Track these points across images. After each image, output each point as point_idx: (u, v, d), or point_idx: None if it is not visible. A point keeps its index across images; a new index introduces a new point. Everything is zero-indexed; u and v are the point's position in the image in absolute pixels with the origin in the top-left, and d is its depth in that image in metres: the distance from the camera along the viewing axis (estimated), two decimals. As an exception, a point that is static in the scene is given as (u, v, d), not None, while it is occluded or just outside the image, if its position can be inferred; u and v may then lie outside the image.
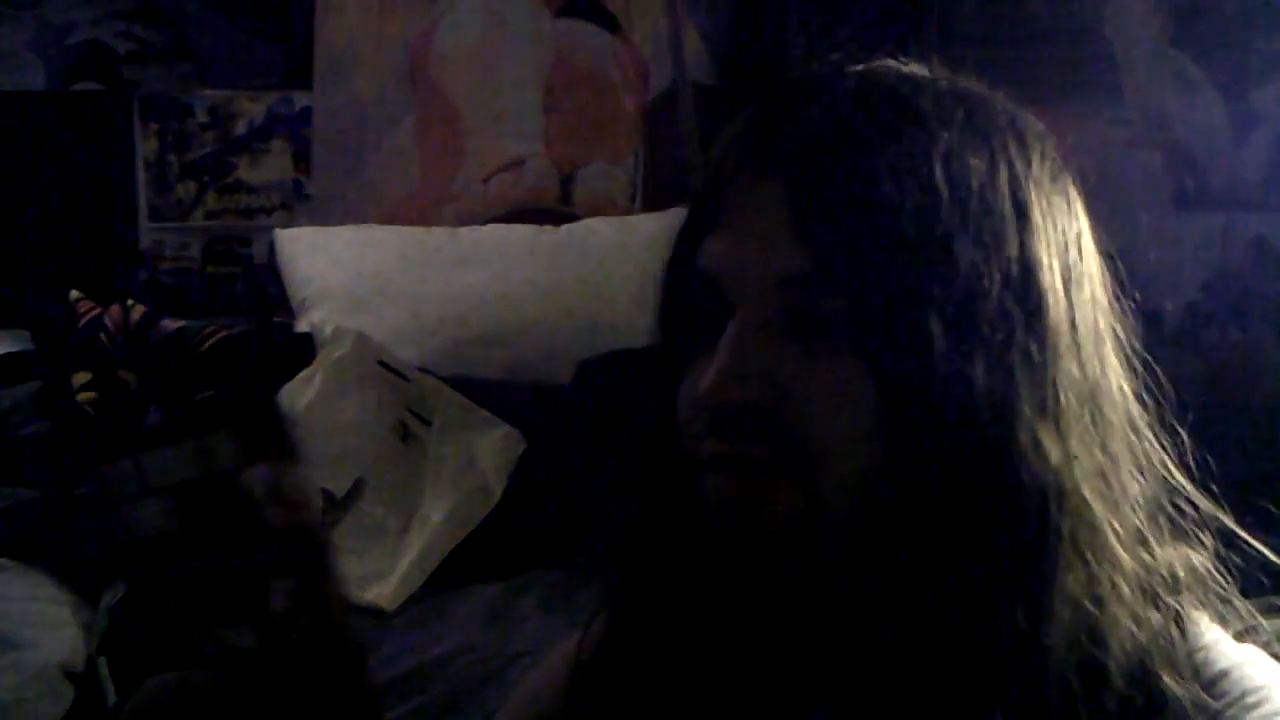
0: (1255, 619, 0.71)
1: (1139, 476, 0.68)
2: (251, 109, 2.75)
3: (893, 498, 0.63)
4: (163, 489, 0.57)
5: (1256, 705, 0.64)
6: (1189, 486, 0.71)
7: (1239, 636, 0.71)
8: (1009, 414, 0.63)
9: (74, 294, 2.41)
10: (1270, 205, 2.51)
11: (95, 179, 2.69)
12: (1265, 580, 0.80)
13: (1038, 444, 0.63)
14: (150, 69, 2.71)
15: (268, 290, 2.63)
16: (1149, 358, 0.73)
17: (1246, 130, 2.53)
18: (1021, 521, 0.62)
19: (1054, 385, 0.65)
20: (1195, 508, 0.71)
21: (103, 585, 2.03)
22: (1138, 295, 0.75)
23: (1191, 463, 0.73)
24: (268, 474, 0.56)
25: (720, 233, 0.68)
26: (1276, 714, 0.64)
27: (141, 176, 2.72)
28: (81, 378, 2.30)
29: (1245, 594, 0.74)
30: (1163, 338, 2.52)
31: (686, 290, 0.70)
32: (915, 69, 0.72)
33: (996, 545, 0.62)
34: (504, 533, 2.03)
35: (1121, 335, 0.71)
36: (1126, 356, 0.72)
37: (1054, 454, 0.63)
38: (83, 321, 2.37)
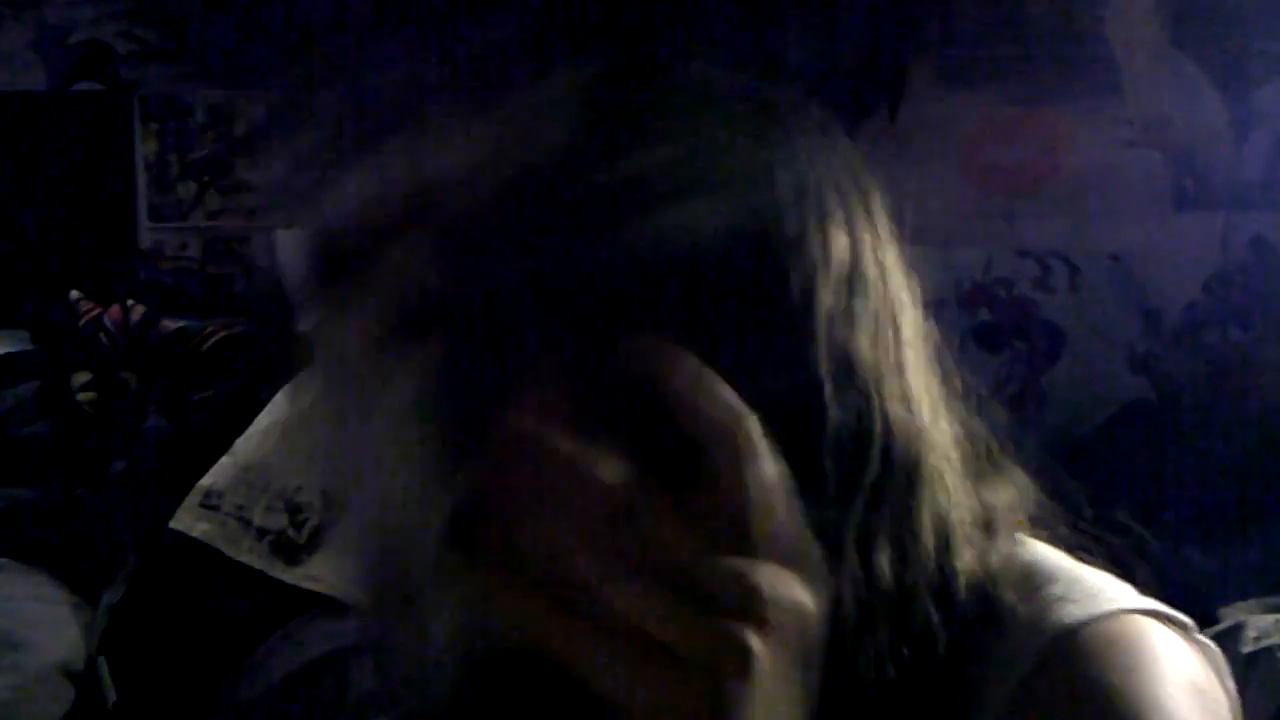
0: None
1: (960, 430, 0.72)
2: (251, 109, 2.75)
3: (807, 474, 0.65)
4: None
5: (1080, 598, 0.67)
6: (991, 436, 0.74)
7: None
8: (882, 382, 0.67)
9: (74, 294, 2.42)
10: (1270, 205, 2.51)
11: (95, 179, 2.69)
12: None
13: (901, 407, 0.67)
14: (150, 69, 2.71)
15: (268, 290, 2.63)
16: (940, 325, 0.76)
17: (1246, 130, 2.53)
18: (892, 479, 0.66)
19: (905, 355, 0.69)
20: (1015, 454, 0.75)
21: (103, 585, 2.03)
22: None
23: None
24: None
25: None
26: (1099, 605, 0.67)
27: (141, 176, 2.72)
28: (81, 377, 2.31)
29: (1245, 594, 0.76)
30: (1163, 338, 2.52)
31: None
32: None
33: (874, 502, 0.66)
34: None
35: (917, 296, 0.73)
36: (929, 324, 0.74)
37: (911, 417, 0.67)
38: (83, 321, 2.38)
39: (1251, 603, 1.60)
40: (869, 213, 0.70)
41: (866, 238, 0.69)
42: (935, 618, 0.65)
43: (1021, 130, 2.56)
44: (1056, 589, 0.68)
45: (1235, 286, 2.51)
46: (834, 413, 0.65)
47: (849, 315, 0.67)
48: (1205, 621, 1.56)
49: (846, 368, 0.66)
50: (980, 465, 0.73)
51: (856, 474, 0.65)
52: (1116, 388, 2.46)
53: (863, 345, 0.66)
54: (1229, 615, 1.56)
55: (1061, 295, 2.49)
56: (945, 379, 0.73)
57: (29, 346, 2.44)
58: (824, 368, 0.65)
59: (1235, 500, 1.96)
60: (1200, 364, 2.50)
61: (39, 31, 2.66)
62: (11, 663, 1.75)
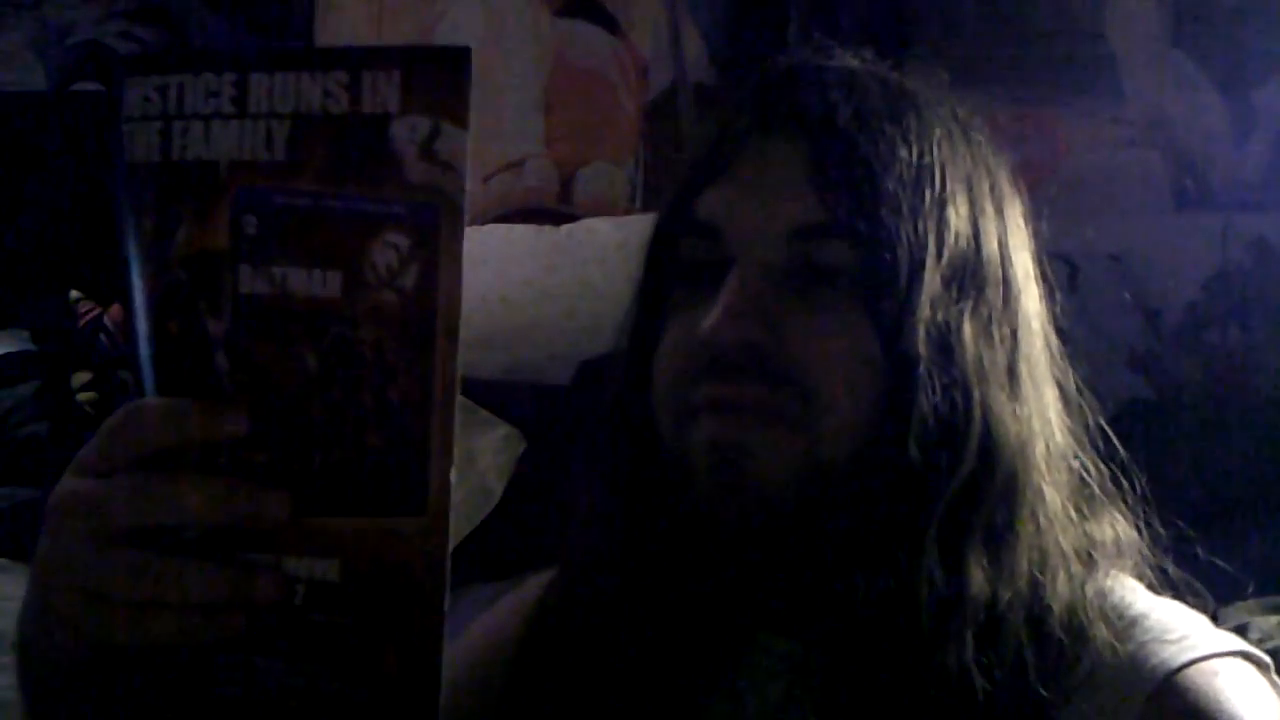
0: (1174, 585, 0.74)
1: (1071, 455, 0.72)
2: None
3: (882, 448, 0.65)
4: (273, 113, 0.52)
5: (1177, 640, 0.67)
6: (1102, 471, 0.74)
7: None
8: (986, 379, 0.66)
9: (74, 294, 2.41)
10: (1270, 205, 2.50)
11: (95, 179, 2.69)
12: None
13: (1007, 412, 0.67)
14: (150, 69, 2.71)
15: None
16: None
17: (1246, 130, 2.52)
18: (990, 483, 0.65)
19: (1019, 363, 0.69)
20: (1119, 484, 0.74)
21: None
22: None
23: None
24: (424, 126, 0.51)
25: (725, 184, 0.70)
26: (1195, 647, 0.66)
27: (141, 176, 2.72)
28: (81, 378, 2.30)
29: (1246, 594, 0.76)
30: (1163, 338, 2.52)
31: (680, 241, 0.71)
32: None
33: (967, 503, 0.65)
34: (504, 533, 2.03)
35: (1046, 309, 0.75)
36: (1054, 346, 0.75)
37: (1015, 424, 0.67)
38: (83, 321, 2.37)
39: (1252, 603, 1.60)
40: (1000, 208, 0.70)
41: (993, 229, 0.69)
42: (1027, 641, 0.65)
43: (1021, 130, 2.55)
44: (1151, 629, 0.68)
45: (1235, 286, 2.51)
46: (926, 394, 0.64)
47: (958, 299, 0.66)
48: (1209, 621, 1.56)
49: (946, 351, 0.65)
50: (1090, 499, 0.72)
51: (949, 466, 0.65)
52: (1116, 388, 2.46)
53: (967, 333, 0.66)
54: (1230, 616, 1.56)
55: (1061, 295, 2.48)
56: (1067, 401, 0.72)
57: (29, 346, 2.44)
58: (921, 347, 0.65)
59: (1235, 500, 1.96)
60: (1200, 364, 2.50)
61: (39, 31, 2.66)
62: (12, 663, 1.74)
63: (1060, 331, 0.76)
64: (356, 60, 0.52)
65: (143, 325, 0.55)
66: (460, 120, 0.51)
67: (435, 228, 0.51)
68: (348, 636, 0.53)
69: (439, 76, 0.51)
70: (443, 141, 0.51)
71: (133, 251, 0.55)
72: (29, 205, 2.63)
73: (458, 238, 0.51)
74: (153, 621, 0.52)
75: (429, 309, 0.51)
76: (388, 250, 0.51)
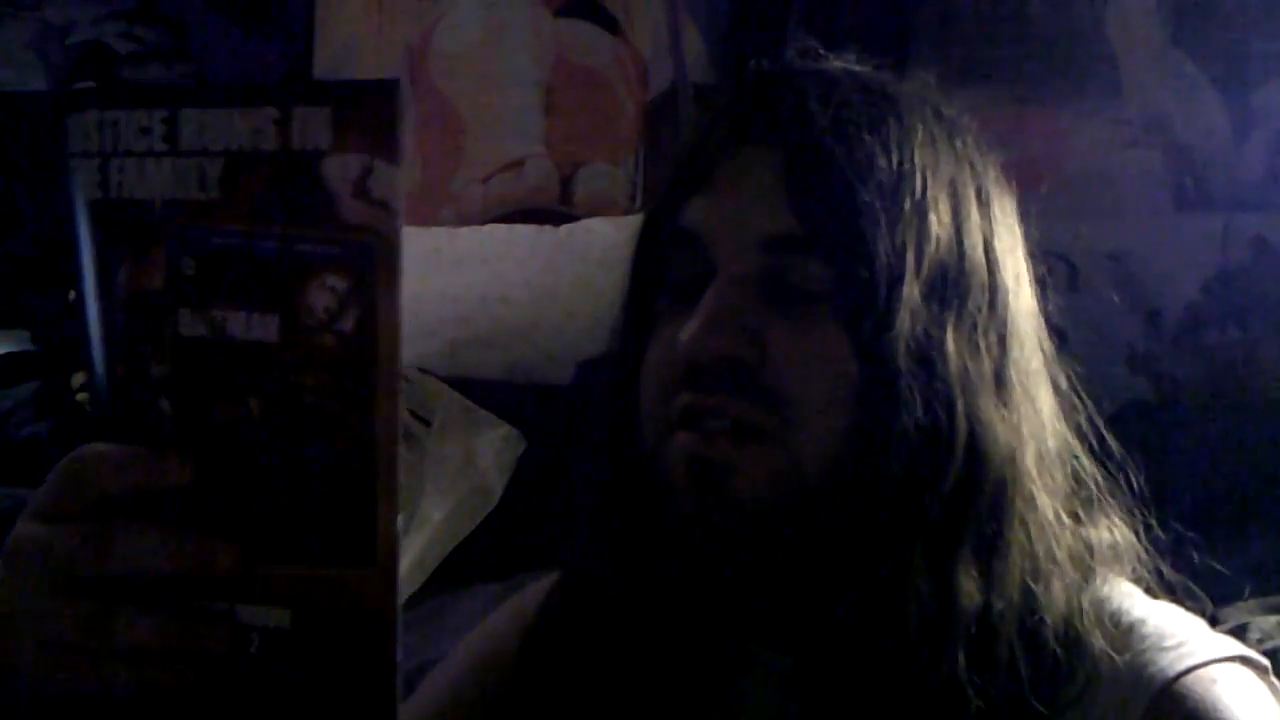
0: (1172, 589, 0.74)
1: (1066, 459, 0.71)
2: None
3: (864, 464, 0.64)
4: (205, 151, 0.51)
5: (1175, 647, 0.66)
6: (1098, 473, 0.73)
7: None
8: (972, 389, 0.65)
9: (74, 294, 2.41)
10: (1270, 205, 2.50)
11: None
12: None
13: (995, 420, 0.66)
14: (150, 69, 2.71)
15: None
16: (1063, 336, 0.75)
17: (1246, 130, 2.52)
18: (979, 494, 0.65)
19: (1007, 369, 0.68)
20: (1116, 486, 0.74)
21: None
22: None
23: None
24: (356, 164, 0.50)
25: (706, 194, 0.69)
26: (1193, 654, 0.66)
27: (141, 176, 2.72)
28: (81, 378, 2.30)
29: (1246, 594, 0.76)
30: (1163, 338, 2.52)
31: (664, 250, 0.71)
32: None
33: (955, 515, 0.64)
34: (504, 533, 2.03)
35: (1038, 309, 0.74)
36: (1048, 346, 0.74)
37: (1004, 432, 0.66)
38: (83, 322, 2.37)
39: (1252, 603, 1.60)
40: (986, 210, 0.69)
41: (978, 233, 0.68)
42: (1021, 653, 0.64)
43: (1021, 130, 2.55)
44: (1148, 636, 0.67)
45: (1235, 286, 2.51)
46: (907, 408, 0.63)
47: (940, 310, 0.65)
48: (1208, 622, 1.55)
49: (927, 364, 0.64)
50: (1086, 502, 0.71)
51: (934, 478, 0.64)
52: (1116, 388, 2.45)
53: (950, 343, 0.65)
54: (1231, 616, 1.56)
55: (1061, 295, 2.48)
56: (1062, 403, 0.71)
57: (29, 346, 2.43)
58: (900, 361, 0.64)
59: (1235, 500, 1.96)
60: (1200, 364, 2.50)
61: (39, 31, 2.66)
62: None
63: (1059, 332, 0.75)
64: (286, 96, 0.50)
65: (97, 366, 0.54)
66: (392, 157, 0.50)
67: (372, 269, 0.50)
68: (301, 686, 0.53)
69: (369, 111, 0.50)
70: (375, 179, 0.50)
71: (85, 290, 0.54)
72: (29, 205, 2.63)
73: (395, 278, 0.50)
74: (106, 670, 0.52)
75: (369, 352, 0.50)
76: (324, 292, 0.50)
